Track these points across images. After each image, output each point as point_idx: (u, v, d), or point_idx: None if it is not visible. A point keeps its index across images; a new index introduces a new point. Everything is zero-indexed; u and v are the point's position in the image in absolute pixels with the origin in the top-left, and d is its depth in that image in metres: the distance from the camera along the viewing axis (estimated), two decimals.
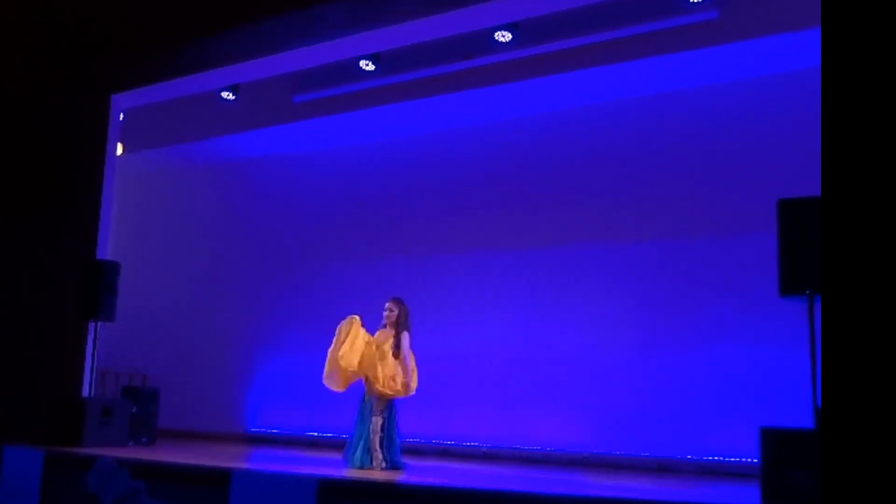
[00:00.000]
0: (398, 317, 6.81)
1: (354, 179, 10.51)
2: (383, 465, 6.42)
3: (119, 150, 9.65)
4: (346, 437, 6.79)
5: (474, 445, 8.76)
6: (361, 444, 6.50)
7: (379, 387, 6.56)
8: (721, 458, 7.47)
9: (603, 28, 8.08)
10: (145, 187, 12.20)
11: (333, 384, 6.71)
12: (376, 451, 6.45)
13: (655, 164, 8.52)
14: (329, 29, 7.88)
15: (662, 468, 7.70)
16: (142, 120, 10.45)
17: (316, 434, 9.81)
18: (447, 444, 8.87)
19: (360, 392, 6.73)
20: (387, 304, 6.88)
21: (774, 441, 4.62)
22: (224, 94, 10.14)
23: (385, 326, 6.83)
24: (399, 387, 6.63)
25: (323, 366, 6.74)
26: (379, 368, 6.59)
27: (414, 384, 6.73)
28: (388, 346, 6.69)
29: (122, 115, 9.44)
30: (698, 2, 7.64)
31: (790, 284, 5.00)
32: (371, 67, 9.26)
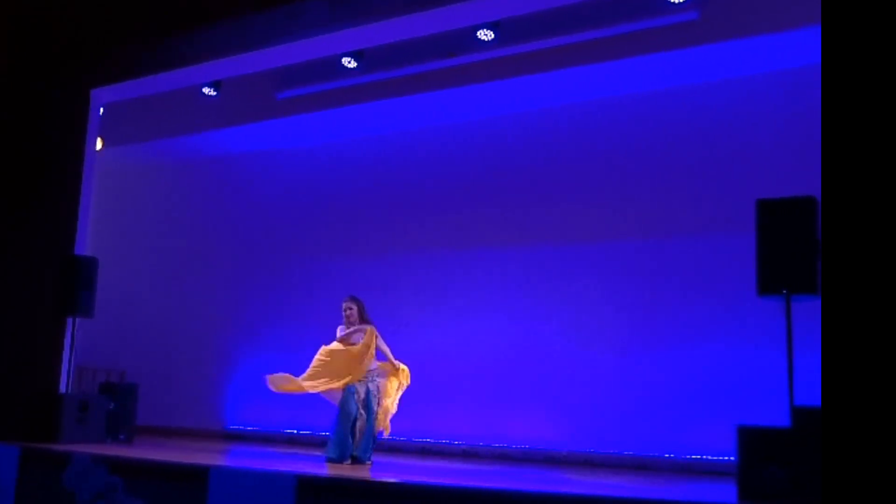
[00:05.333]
0: (358, 313, 7.08)
1: (336, 176, 10.48)
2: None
3: (98, 144, 9.57)
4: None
5: (454, 443, 8.77)
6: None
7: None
8: (699, 457, 7.52)
9: (584, 28, 8.11)
10: (124, 183, 12.10)
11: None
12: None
13: (634, 163, 8.55)
14: (311, 25, 7.85)
15: (641, 466, 7.74)
16: (122, 115, 10.35)
17: (294, 431, 9.79)
18: (427, 441, 8.88)
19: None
20: (344, 304, 7.15)
21: (751, 439, 4.66)
22: (205, 90, 10.08)
23: (348, 326, 7.09)
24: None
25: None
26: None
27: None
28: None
29: (101, 110, 9.36)
30: (679, 3, 7.69)
31: (768, 284, 5.04)
32: (353, 64, 9.24)
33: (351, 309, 7.11)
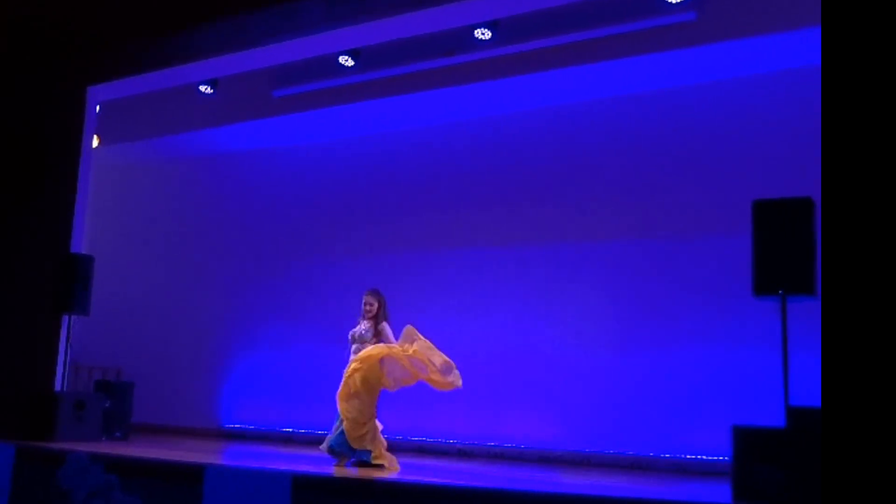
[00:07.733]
0: (378, 309, 6.81)
1: (333, 175, 10.48)
2: None
3: (95, 142, 9.56)
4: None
5: (449, 442, 8.77)
6: None
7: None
8: (695, 456, 7.53)
9: (581, 28, 8.10)
10: (121, 180, 12.09)
11: None
12: None
13: (631, 164, 8.55)
14: (309, 23, 7.85)
15: (637, 466, 7.75)
16: (118, 112, 10.35)
17: (291, 430, 9.78)
18: (422, 440, 8.87)
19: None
20: (365, 298, 6.84)
21: (746, 439, 4.67)
22: (202, 88, 10.08)
23: (363, 320, 6.82)
24: None
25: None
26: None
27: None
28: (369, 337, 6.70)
29: (98, 108, 9.35)
30: (676, 3, 7.69)
31: (763, 285, 5.05)
32: (350, 63, 9.24)
33: (371, 305, 6.73)
